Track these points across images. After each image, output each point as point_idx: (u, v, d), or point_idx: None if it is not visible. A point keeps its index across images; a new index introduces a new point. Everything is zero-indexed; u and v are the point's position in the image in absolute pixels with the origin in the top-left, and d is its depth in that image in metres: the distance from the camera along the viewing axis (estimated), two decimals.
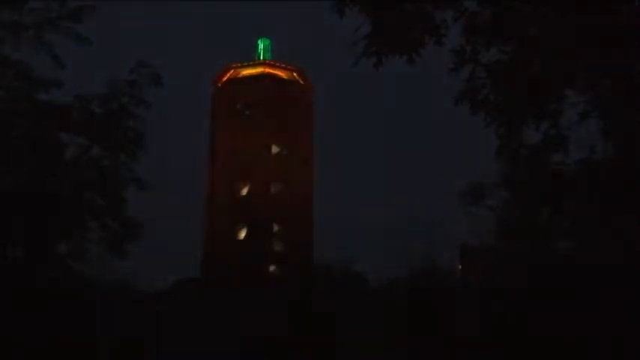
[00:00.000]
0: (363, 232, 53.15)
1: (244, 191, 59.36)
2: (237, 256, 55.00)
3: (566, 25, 8.42)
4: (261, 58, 63.72)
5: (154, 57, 20.58)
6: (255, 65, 62.77)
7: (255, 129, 59.18)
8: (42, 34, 17.79)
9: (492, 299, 24.59)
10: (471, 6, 8.83)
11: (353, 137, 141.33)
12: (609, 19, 8.36)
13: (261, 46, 64.66)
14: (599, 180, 12.09)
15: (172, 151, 77.10)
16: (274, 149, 60.43)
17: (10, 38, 17.67)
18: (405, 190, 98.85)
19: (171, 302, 31.55)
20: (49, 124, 19.04)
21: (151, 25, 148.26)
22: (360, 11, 8.62)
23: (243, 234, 58.47)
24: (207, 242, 58.66)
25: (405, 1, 8.56)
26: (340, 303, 28.56)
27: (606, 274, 19.88)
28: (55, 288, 20.29)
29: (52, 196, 18.59)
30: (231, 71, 62.89)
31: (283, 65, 62.94)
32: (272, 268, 56.78)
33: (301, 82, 62.89)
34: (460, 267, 33.29)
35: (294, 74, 62.86)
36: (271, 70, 62.25)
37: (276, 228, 58.59)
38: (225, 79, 62.85)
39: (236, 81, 62.13)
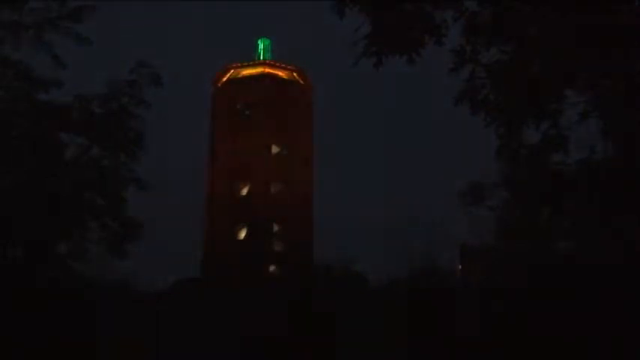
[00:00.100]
0: (363, 232, 53.18)
1: (244, 191, 59.36)
2: (237, 256, 54.99)
3: (566, 25, 8.42)
4: (261, 58, 63.72)
5: (154, 57, 20.60)
6: (255, 65, 62.77)
7: (255, 129, 59.19)
8: (42, 34, 17.80)
9: (492, 299, 24.58)
10: (471, 6, 8.84)
11: (353, 137, 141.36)
12: (609, 19, 8.36)
13: (261, 46, 64.67)
14: (599, 180, 12.08)
15: (172, 151, 77.13)
16: (274, 149, 60.44)
17: (10, 38, 17.67)
18: (405, 190, 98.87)
19: (171, 302, 31.53)
20: (49, 124, 19.03)
21: (151, 25, 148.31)
22: (360, 11, 8.62)
23: (243, 234, 58.47)
24: (207, 242, 58.66)
25: (405, 1, 8.56)
26: (340, 303, 28.54)
27: (606, 274, 19.87)
28: (55, 288, 20.29)
29: (52, 196, 18.58)
30: (231, 71, 62.89)
31: (283, 65, 62.94)
32: (272, 268, 56.77)
33: (301, 82, 62.88)
34: (460, 267, 33.28)
35: (294, 74, 62.86)
36: (271, 70, 62.24)
37: (276, 228, 58.59)
38: (225, 79, 62.85)
39: (236, 81, 62.12)
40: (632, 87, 9.05)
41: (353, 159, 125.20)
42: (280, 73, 62.47)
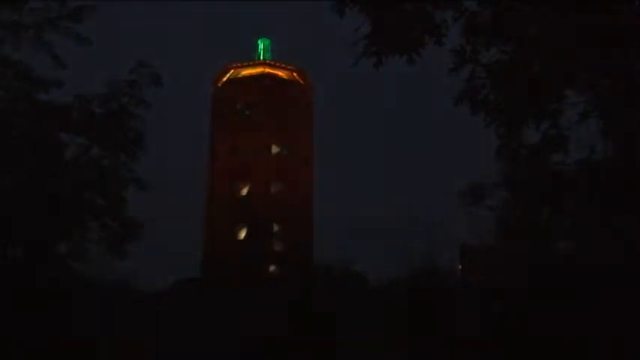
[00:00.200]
0: (363, 232, 53.25)
1: (244, 191, 59.38)
2: (237, 256, 55.02)
3: (566, 25, 8.42)
4: (261, 58, 63.76)
5: (154, 57, 20.61)
6: (255, 65, 62.80)
7: (255, 129, 59.20)
8: (42, 34, 17.77)
9: (492, 299, 24.58)
10: (471, 6, 8.83)
11: (353, 137, 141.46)
12: (609, 19, 8.36)
13: (261, 46, 64.71)
14: (599, 180, 12.07)
15: (172, 151, 77.16)
16: (274, 149, 60.47)
17: (10, 38, 17.65)
18: (405, 190, 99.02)
19: (171, 302, 31.54)
20: (49, 124, 19.01)
21: (151, 25, 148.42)
22: (360, 11, 8.61)
23: (243, 234, 58.50)
24: (207, 242, 58.68)
25: (405, 1, 8.56)
26: (340, 303, 28.55)
27: (606, 274, 19.87)
28: (55, 288, 20.27)
29: (52, 196, 18.57)
30: (231, 71, 62.91)
31: (283, 65, 62.97)
32: (272, 268, 56.80)
33: (301, 82, 62.91)
34: (460, 267, 33.29)
35: (294, 74, 62.88)
36: (271, 70, 62.27)
37: (276, 228, 58.62)
38: (225, 79, 62.88)
39: (236, 81, 62.16)
40: (632, 87, 9.05)
41: (353, 159, 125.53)
42: (280, 73, 62.49)
